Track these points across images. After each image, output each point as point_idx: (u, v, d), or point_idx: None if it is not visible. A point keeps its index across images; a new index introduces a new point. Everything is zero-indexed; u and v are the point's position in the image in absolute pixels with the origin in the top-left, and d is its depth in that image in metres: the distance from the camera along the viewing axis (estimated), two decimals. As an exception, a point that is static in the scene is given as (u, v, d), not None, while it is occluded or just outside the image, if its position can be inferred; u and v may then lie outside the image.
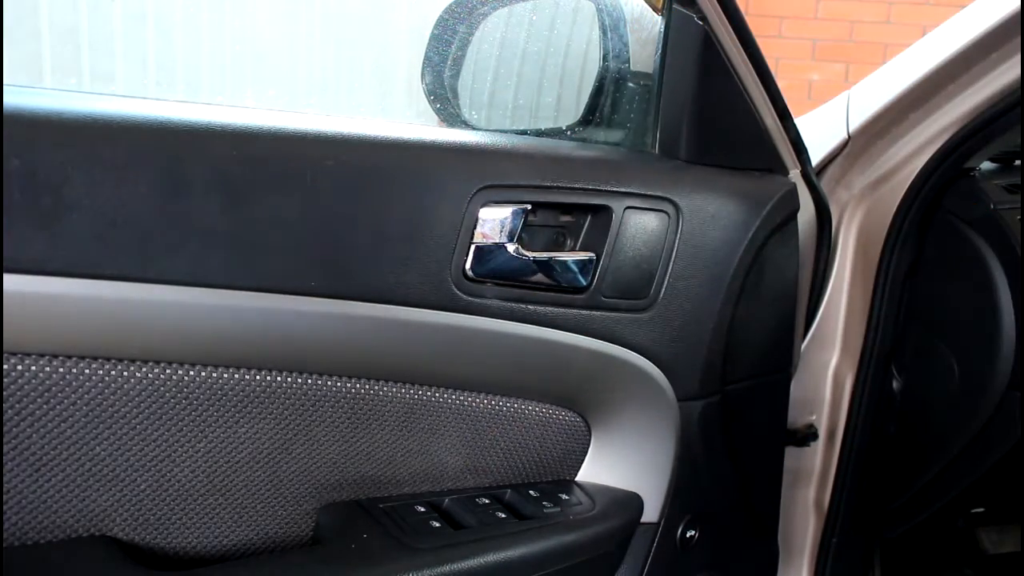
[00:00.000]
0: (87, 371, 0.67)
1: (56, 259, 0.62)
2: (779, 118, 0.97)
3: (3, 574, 0.65)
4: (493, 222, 0.78)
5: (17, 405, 0.65)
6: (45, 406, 0.66)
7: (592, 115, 1.07)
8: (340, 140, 0.74)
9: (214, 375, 0.72)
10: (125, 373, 0.69)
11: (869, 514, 1.19)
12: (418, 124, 0.82)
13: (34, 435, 0.67)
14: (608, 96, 1.05)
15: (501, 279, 0.80)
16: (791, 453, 1.14)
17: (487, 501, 0.87)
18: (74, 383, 0.67)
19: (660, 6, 0.92)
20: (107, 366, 0.68)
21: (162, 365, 0.70)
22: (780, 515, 1.14)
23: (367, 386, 0.79)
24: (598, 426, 0.93)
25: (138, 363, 0.69)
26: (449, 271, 0.77)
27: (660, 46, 0.93)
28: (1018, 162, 1.19)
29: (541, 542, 0.83)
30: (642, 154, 0.95)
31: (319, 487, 0.80)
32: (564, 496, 0.90)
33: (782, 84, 0.95)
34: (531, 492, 0.90)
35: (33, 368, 0.65)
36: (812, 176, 1.03)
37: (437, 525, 0.81)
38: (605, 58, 1.06)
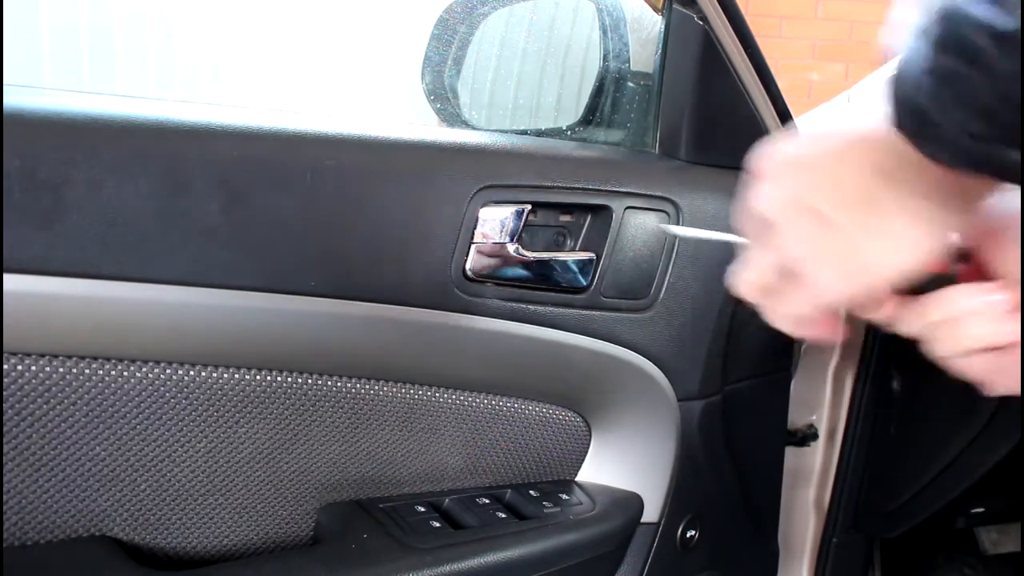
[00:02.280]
0: (87, 371, 0.67)
1: (56, 259, 0.62)
2: (779, 118, 0.97)
3: (3, 574, 0.65)
4: (493, 222, 0.78)
5: (17, 405, 0.65)
6: (45, 406, 0.66)
7: (592, 115, 1.07)
8: (340, 140, 0.74)
9: (214, 375, 0.72)
10: (125, 373, 0.69)
11: (869, 514, 1.18)
12: (418, 124, 0.82)
13: (34, 435, 0.67)
14: (608, 96, 1.05)
15: (501, 279, 0.80)
16: (791, 453, 1.14)
17: (487, 501, 0.86)
18: (74, 383, 0.67)
19: (660, 6, 0.92)
20: (107, 366, 0.68)
21: (162, 365, 0.70)
22: (780, 515, 1.14)
23: (367, 386, 0.79)
24: (598, 426, 0.93)
25: (138, 363, 0.69)
26: (449, 271, 0.77)
27: (660, 46, 0.93)
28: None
29: (541, 542, 0.83)
30: (642, 154, 0.95)
31: (319, 487, 0.80)
32: (564, 496, 0.90)
33: (782, 84, 0.95)
34: (531, 492, 0.90)
35: (33, 368, 0.65)
36: (812, 176, 1.03)
37: (437, 525, 0.81)
38: (605, 58, 1.06)
